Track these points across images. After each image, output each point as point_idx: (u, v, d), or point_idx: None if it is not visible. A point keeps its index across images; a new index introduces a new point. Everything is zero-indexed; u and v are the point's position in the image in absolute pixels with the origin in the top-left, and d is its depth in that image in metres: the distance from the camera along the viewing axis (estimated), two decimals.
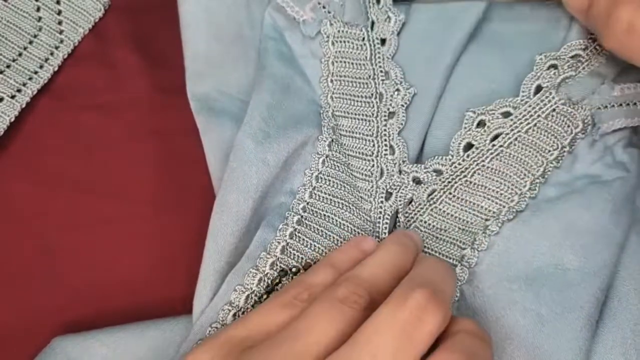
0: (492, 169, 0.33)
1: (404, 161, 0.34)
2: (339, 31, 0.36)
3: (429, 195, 0.34)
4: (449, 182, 0.34)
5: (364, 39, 0.36)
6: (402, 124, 0.35)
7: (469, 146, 0.34)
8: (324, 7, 0.37)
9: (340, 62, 0.37)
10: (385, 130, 0.35)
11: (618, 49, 0.30)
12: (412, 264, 0.30)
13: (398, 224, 0.35)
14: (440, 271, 0.29)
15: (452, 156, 0.34)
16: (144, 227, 0.38)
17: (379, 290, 0.28)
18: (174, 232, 0.38)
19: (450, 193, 0.34)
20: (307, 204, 0.34)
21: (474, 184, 0.33)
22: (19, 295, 0.37)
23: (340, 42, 0.36)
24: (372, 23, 0.36)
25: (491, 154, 0.33)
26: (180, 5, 0.37)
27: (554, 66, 0.34)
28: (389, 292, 0.27)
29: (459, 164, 0.33)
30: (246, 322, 0.28)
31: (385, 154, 0.35)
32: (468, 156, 0.33)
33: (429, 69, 0.35)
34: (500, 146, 0.33)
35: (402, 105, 0.35)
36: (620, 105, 0.32)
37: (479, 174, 0.33)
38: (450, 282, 0.29)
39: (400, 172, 0.34)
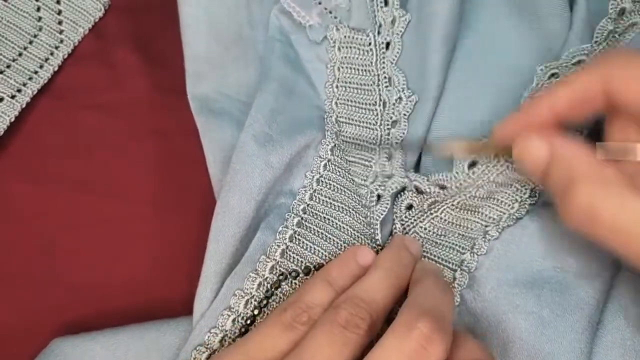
0: (497, 182, 0.32)
1: (399, 166, 0.34)
2: (345, 37, 0.36)
3: (430, 204, 0.33)
4: (452, 196, 0.33)
5: (370, 44, 0.35)
6: (404, 132, 0.34)
7: (474, 162, 0.32)
8: (330, 13, 0.36)
9: (346, 67, 0.36)
10: (388, 139, 0.34)
11: (579, 231, 0.26)
12: (410, 276, 0.30)
13: (395, 230, 0.34)
14: (439, 292, 0.28)
15: (458, 173, 0.32)
16: (144, 227, 0.37)
17: (379, 309, 0.28)
18: (174, 232, 0.37)
19: (452, 204, 0.33)
20: (308, 205, 0.34)
21: (478, 197, 0.32)
22: (19, 295, 0.36)
23: (347, 47, 0.36)
24: (380, 26, 0.35)
25: (497, 169, 0.32)
26: (180, 6, 0.37)
27: (555, 75, 0.32)
28: (387, 310, 0.28)
29: (464, 181, 0.32)
30: (246, 346, 0.27)
31: (383, 161, 0.34)
32: (474, 173, 0.32)
33: (423, 70, 0.34)
34: (506, 161, 0.32)
35: (405, 114, 0.34)
36: None
37: (484, 188, 0.32)
38: (450, 301, 0.29)
39: (390, 177, 0.33)
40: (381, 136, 0.35)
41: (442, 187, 0.33)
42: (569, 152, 0.27)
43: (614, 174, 0.26)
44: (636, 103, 0.26)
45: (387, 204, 0.33)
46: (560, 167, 0.27)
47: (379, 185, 0.34)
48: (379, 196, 0.34)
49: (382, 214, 0.33)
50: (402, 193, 0.34)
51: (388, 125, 0.35)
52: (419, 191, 0.33)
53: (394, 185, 0.33)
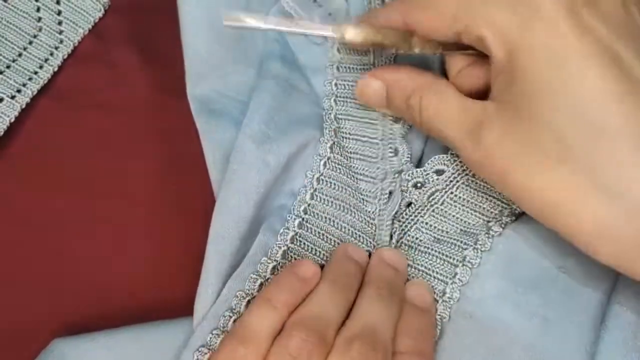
0: None
1: (406, 162, 0.33)
2: None
3: (429, 196, 0.33)
4: (451, 181, 0.32)
5: None
6: (408, 128, 0.34)
7: None
8: (330, 15, 0.36)
9: (345, 67, 0.35)
10: (391, 134, 0.34)
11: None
12: (359, 285, 0.30)
13: (394, 229, 0.33)
14: (377, 304, 0.29)
15: (454, 153, 0.32)
16: (144, 227, 0.37)
17: (331, 325, 0.27)
18: (174, 232, 0.37)
19: (452, 193, 0.33)
20: (309, 205, 0.33)
21: (476, 183, 0.32)
22: (19, 295, 0.35)
23: (346, 49, 0.35)
24: None
25: None
26: (180, 6, 0.36)
27: None
28: (340, 324, 0.28)
29: (461, 161, 0.32)
30: None
31: (390, 157, 0.33)
32: None
33: (424, 68, 0.34)
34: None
35: None
36: None
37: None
38: (388, 310, 0.29)
39: (400, 172, 0.33)
40: (383, 132, 0.34)
41: (440, 172, 0.32)
42: (399, 75, 0.31)
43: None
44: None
45: (399, 199, 0.33)
46: (397, 90, 0.31)
47: (391, 182, 0.33)
48: (390, 192, 0.33)
49: (393, 211, 0.33)
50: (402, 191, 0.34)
51: (391, 120, 0.34)
52: (416, 187, 0.33)
53: (405, 181, 0.33)
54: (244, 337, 0.27)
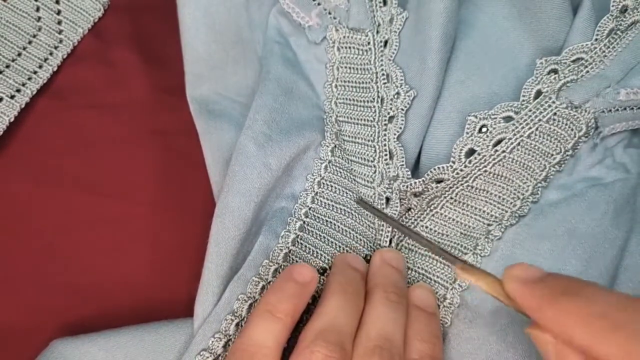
0: (494, 174, 0.31)
1: (402, 165, 0.32)
2: (344, 37, 0.34)
3: (429, 201, 0.32)
4: (450, 187, 0.31)
5: (368, 43, 0.34)
6: (400, 127, 0.33)
7: (470, 152, 0.31)
8: (329, 13, 0.34)
9: (345, 67, 0.34)
10: (385, 134, 0.33)
11: None
12: (364, 292, 0.29)
13: (394, 232, 0.32)
14: (386, 310, 0.28)
15: (454, 163, 0.31)
16: (144, 227, 0.36)
17: (348, 336, 0.26)
18: (173, 233, 0.36)
19: (451, 197, 0.32)
20: (310, 209, 0.32)
21: (476, 188, 0.31)
22: (19, 295, 0.35)
23: (345, 47, 0.34)
24: (379, 25, 0.34)
25: (494, 159, 0.31)
26: (180, 7, 0.35)
27: (555, 71, 0.31)
28: (354, 333, 0.27)
29: (461, 170, 0.31)
30: None
31: (385, 159, 0.32)
32: (470, 162, 0.31)
33: (423, 70, 0.33)
34: (503, 152, 0.31)
35: (402, 109, 0.33)
36: (625, 109, 0.30)
37: (481, 178, 0.31)
38: (397, 316, 0.28)
39: (396, 178, 0.32)
40: (378, 132, 0.33)
41: (439, 181, 0.31)
42: None
43: None
44: None
45: (397, 206, 0.31)
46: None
47: (387, 188, 0.32)
48: (387, 199, 0.32)
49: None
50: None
51: (385, 121, 0.33)
52: (416, 195, 0.32)
53: (402, 187, 0.32)
54: (253, 354, 0.26)
